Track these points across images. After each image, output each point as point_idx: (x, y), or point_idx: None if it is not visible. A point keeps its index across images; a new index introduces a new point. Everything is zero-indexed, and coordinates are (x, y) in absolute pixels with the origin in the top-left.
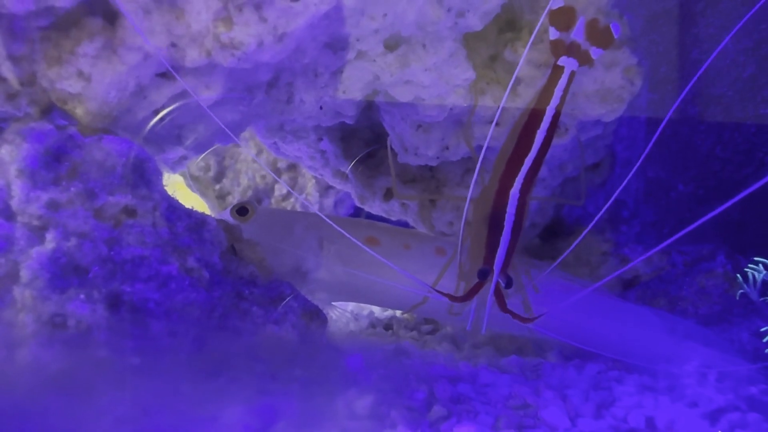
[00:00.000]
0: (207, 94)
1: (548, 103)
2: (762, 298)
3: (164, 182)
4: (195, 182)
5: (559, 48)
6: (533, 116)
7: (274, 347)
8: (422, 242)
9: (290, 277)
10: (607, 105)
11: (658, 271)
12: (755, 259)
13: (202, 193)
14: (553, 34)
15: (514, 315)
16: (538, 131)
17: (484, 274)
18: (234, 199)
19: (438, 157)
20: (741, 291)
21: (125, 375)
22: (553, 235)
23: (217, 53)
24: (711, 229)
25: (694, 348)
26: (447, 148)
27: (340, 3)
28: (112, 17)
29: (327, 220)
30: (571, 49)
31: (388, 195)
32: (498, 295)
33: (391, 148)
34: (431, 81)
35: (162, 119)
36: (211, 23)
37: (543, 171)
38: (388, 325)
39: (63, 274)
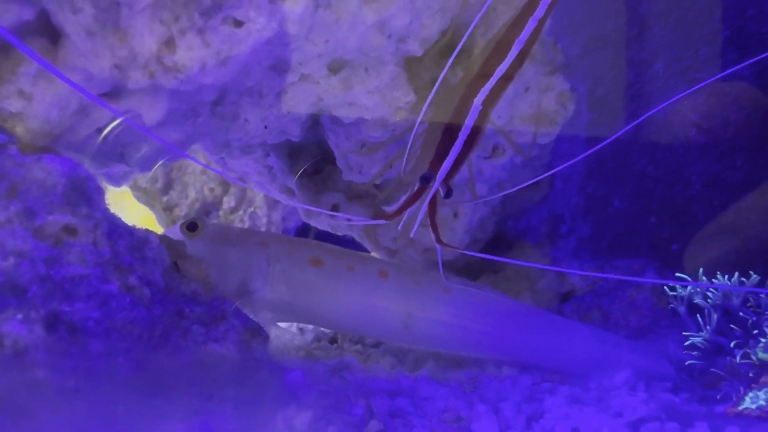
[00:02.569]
0: (150, 114)
1: (531, 14)
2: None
3: (110, 193)
4: (142, 194)
5: None
6: (513, 27)
7: (214, 365)
8: (366, 264)
9: (235, 295)
10: (542, 128)
11: (593, 285)
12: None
13: (150, 204)
14: None
15: (437, 236)
16: (516, 41)
17: (426, 180)
18: (182, 212)
19: (382, 175)
20: (671, 305)
21: (62, 396)
22: (494, 249)
23: (160, 75)
24: (642, 245)
25: (624, 358)
26: (391, 167)
27: (282, 30)
28: (54, 37)
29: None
30: None
31: (333, 211)
32: (432, 204)
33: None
34: (374, 103)
35: (105, 138)
36: (155, 46)
37: (482, 189)
38: (333, 338)
39: (0, 293)
